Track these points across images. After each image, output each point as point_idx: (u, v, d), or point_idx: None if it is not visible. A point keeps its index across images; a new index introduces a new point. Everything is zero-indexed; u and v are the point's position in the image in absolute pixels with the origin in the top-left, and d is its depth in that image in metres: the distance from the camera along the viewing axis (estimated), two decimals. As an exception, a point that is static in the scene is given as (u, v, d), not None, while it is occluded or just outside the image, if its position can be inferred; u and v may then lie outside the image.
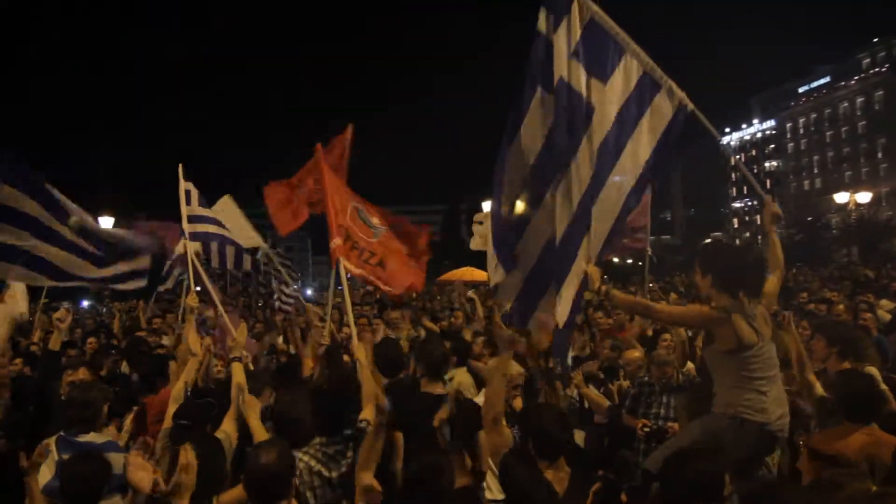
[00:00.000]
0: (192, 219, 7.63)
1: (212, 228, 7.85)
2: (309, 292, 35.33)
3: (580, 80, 4.71)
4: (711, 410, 4.05)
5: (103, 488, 3.53)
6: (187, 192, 7.76)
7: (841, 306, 9.39)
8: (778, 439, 3.99)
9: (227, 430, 4.41)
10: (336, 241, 6.19)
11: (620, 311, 9.82)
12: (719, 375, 4.08)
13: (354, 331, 6.12)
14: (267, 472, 3.16)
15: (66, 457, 4.11)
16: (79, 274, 6.70)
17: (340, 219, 6.42)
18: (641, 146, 4.73)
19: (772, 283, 4.41)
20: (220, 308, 7.63)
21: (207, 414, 4.56)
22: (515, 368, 6.61)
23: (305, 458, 4.03)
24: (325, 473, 3.99)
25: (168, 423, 4.47)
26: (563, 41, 4.69)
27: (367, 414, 4.39)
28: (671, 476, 2.98)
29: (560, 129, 4.64)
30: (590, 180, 4.61)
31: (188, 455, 3.22)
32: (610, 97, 4.73)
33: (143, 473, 3.14)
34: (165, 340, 10.16)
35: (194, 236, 7.55)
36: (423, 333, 9.47)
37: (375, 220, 6.79)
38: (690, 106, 4.72)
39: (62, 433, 4.35)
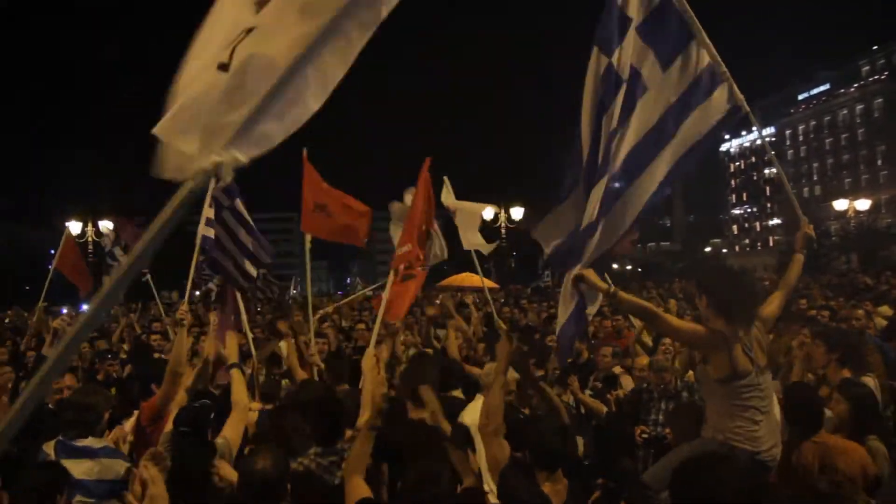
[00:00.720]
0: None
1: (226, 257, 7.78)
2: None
3: (639, 55, 4.47)
4: (701, 434, 3.97)
5: (56, 499, 3.43)
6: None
7: (860, 311, 9.26)
8: (769, 469, 3.88)
9: (227, 435, 4.41)
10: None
11: (621, 314, 9.73)
12: (710, 401, 3.99)
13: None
14: (262, 478, 3.16)
15: (66, 463, 4.10)
16: None
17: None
18: (685, 139, 4.55)
19: (774, 303, 4.27)
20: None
21: (206, 418, 4.56)
22: (510, 374, 6.59)
23: (300, 469, 4.02)
24: (319, 482, 3.97)
25: (169, 427, 4.46)
26: (635, 11, 4.44)
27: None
28: (683, 486, 2.97)
29: (608, 101, 4.36)
30: (621, 165, 4.35)
31: (150, 471, 3.20)
32: (667, 83, 4.53)
33: (157, 489, 3.17)
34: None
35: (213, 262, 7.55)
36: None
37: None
38: (746, 109, 4.60)
39: (60, 437, 4.30)
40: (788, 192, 5.25)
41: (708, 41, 4.58)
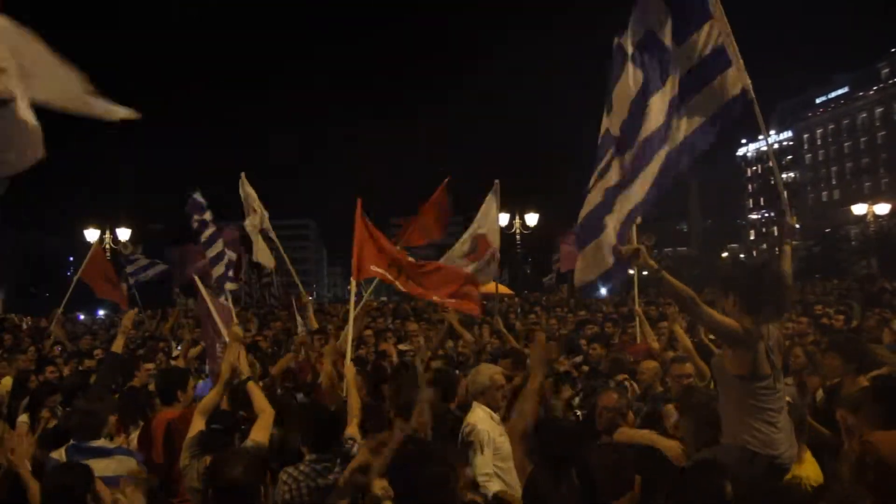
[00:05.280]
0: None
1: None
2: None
3: (666, 33, 4.62)
4: (719, 440, 3.94)
5: (86, 498, 3.51)
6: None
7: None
8: (786, 473, 3.89)
9: (256, 439, 4.45)
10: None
11: (667, 295, 9.57)
12: (728, 400, 3.95)
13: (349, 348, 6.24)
14: (234, 485, 3.17)
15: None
16: None
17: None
18: (693, 119, 4.62)
19: None
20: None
21: (238, 423, 4.69)
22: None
23: (295, 473, 4.12)
24: (312, 485, 4.06)
25: (194, 432, 4.49)
26: None
27: (353, 430, 4.43)
28: (679, 493, 2.98)
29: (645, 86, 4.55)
30: (643, 142, 4.49)
31: (132, 497, 3.19)
32: (681, 58, 4.63)
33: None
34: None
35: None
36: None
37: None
38: (751, 94, 4.62)
39: (72, 441, 4.42)
40: (779, 184, 5.32)
41: (725, 20, 4.65)
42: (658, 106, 4.54)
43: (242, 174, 11.01)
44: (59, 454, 4.37)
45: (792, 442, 3.87)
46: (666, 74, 4.61)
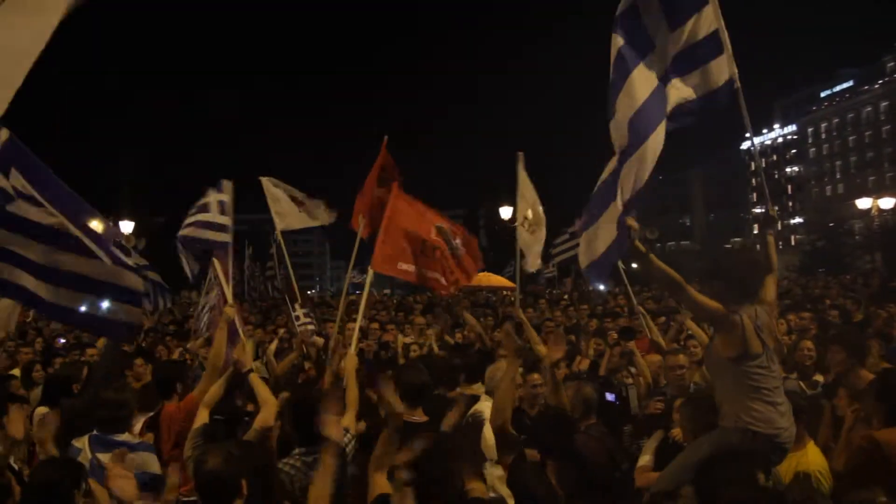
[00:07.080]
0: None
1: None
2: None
3: (650, 14, 4.57)
4: (719, 424, 3.94)
5: (73, 496, 3.43)
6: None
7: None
8: (787, 452, 3.94)
9: (259, 427, 4.47)
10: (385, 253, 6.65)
11: (653, 280, 9.54)
12: (723, 385, 3.98)
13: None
14: (214, 477, 3.17)
15: (100, 456, 4.18)
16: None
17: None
18: (679, 98, 4.63)
19: (769, 287, 4.30)
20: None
21: (241, 413, 4.77)
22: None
23: (286, 469, 4.11)
24: (305, 480, 4.00)
25: (199, 423, 4.49)
26: None
27: (348, 422, 4.42)
28: (708, 482, 2.98)
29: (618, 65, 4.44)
30: (629, 123, 4.37)
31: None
32: (673, 42, 4.62)
33: (123, 482, 3.18)
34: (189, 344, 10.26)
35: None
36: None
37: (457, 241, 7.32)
38: (738, 84, 4.67)
39: (95, 432, 4.41)
40: (761, 174, 5.32)
41: (718, 7, 4.66)
42: (642, 80, 4.44)
43: (263, 179, 10.71)
44: (83, 443, 4.35)
45: (791, 421, 3.89)
46: (649, 49, 4.54)
